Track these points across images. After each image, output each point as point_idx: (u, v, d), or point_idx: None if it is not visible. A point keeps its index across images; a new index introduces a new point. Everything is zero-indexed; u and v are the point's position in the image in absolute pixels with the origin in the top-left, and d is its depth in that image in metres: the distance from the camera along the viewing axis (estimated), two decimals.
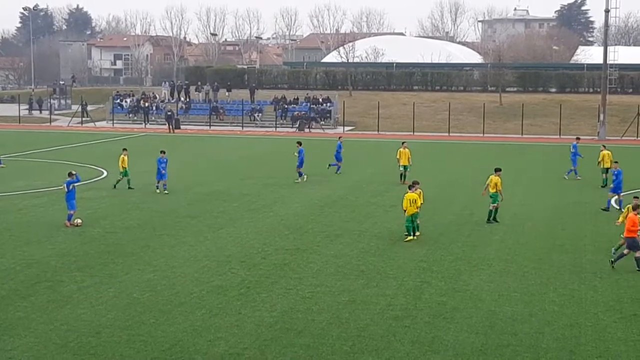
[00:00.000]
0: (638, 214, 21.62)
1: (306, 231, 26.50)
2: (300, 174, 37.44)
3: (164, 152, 34.43)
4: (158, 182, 34.08)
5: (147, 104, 76.63)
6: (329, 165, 40.61)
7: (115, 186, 34.79)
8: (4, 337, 16.15)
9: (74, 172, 27.97)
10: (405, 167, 37.14)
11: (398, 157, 37.45)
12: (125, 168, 34.68)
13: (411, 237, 25.18)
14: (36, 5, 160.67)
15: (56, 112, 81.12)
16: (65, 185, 27.34)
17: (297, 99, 76.05)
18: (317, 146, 56.81)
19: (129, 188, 34.45)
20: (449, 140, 62.04)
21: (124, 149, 35.61)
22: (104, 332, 16.44)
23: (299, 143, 38.25)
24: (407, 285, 20.07)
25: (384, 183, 37.20)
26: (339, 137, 44.39)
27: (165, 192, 33.56)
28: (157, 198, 32.58)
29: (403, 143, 38.21)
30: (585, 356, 15.40)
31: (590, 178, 38.12)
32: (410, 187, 25.95)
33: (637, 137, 63.06)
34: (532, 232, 26.38)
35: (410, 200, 25.14)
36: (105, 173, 40.14)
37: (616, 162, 31.98)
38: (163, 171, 33.80)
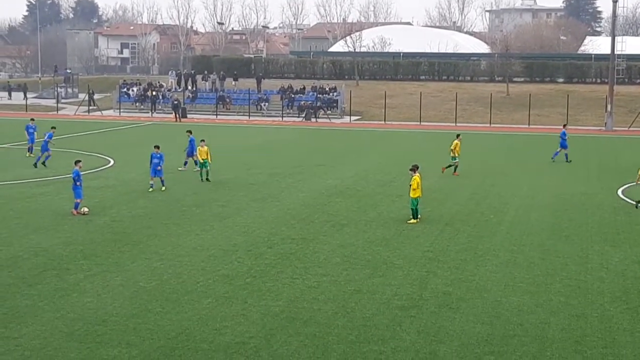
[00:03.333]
0: None
1: (312, 221, 26.52)
2: (189, 163, 37.02)
3: (158, 147, 32.21)
4: (152, 179, 31.63)
5: (153, 93, 76.67)
6: (554, 156, 41.79)
7: (202, 180, 33.85)
8: (11, 324, 16.23)
9: (80, 160, 27.95)
10: (454, 157, 36.74)
11: (453, 147, 36.77)
12: (205, 160, 33.88)
13: (415, 221, 25.85)
14: None
15: (63, 100, 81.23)
16: (73, 174, 27.30)
17: (304, 88, 75.99)
18: (325, 135, 56.87)
19: (207, 180, 33.83)
20: (456, 131, 61.63)
21: (202, 140, 34.56)
22: (110, 320, 16.49)
23: (189, 132, 37.69)
24: (413, 275, 20.08)
25: (390, 173, 37.16)
26: (564, 125, 45.09)
27: (163, 188, 31.57)
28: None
29: (458, 135, 37.66)
30: (591, 347, 15.39)
31: (596, 168, 37.98)
32: (412, 170, 26.18)
33: None
34: (538, 223, 26.33)
35: (418, 182, 25.84)
36: (112, 162, 40.20)
37: None
38: (159, 167, 31.44)
